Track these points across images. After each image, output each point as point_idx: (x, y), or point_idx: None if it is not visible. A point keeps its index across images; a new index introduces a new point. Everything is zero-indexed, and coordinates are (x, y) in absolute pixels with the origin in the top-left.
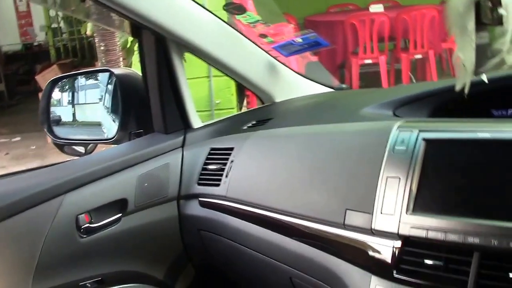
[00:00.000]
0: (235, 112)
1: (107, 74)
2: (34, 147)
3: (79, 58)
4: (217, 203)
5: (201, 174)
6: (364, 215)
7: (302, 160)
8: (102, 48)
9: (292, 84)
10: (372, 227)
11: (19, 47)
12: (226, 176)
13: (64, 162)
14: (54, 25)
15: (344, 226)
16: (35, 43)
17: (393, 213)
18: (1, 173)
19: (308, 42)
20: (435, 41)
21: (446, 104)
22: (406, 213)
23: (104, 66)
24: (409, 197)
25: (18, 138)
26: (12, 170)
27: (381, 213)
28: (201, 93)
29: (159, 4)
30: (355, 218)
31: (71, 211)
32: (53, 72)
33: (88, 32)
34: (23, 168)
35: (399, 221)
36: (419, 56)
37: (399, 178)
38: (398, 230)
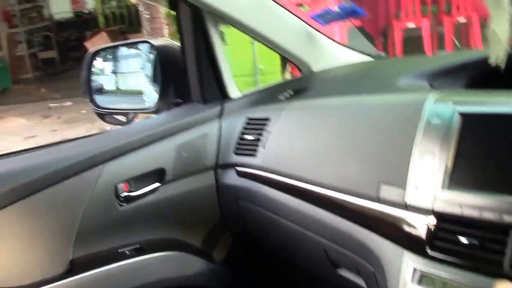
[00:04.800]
0: (279, 77)
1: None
2: (84, 111)
3: (127, 25)
4: (253, 173)
5: (238, 144)
6: (398, 189)
7: (337, 131)
8: (147, 16)
9: (330, 53)
10: (406, 202)
11: (70, 15)
12: (263, 147)
13: (103, 132)
14: None
15: (378, 200)
16: (85, 11)
17: (428, 189)
18: (53, 135)
19: (345, 11)
20: (480, 4)
21: (484, 75)
22: (441, 189)
23: (149, 33)
24: (445, 172)
25: (69, 103)
26: (63, 133)
27: (416, 188)
28: (245, 58)
29: None
30: (388, 192)
31: (110, 180)
32: (102, 39)
33: (133, 0)
34: (74, 131)
35: (434, 197)
36: (463, 20)
37: (434, 153)
38: (432, 206)
